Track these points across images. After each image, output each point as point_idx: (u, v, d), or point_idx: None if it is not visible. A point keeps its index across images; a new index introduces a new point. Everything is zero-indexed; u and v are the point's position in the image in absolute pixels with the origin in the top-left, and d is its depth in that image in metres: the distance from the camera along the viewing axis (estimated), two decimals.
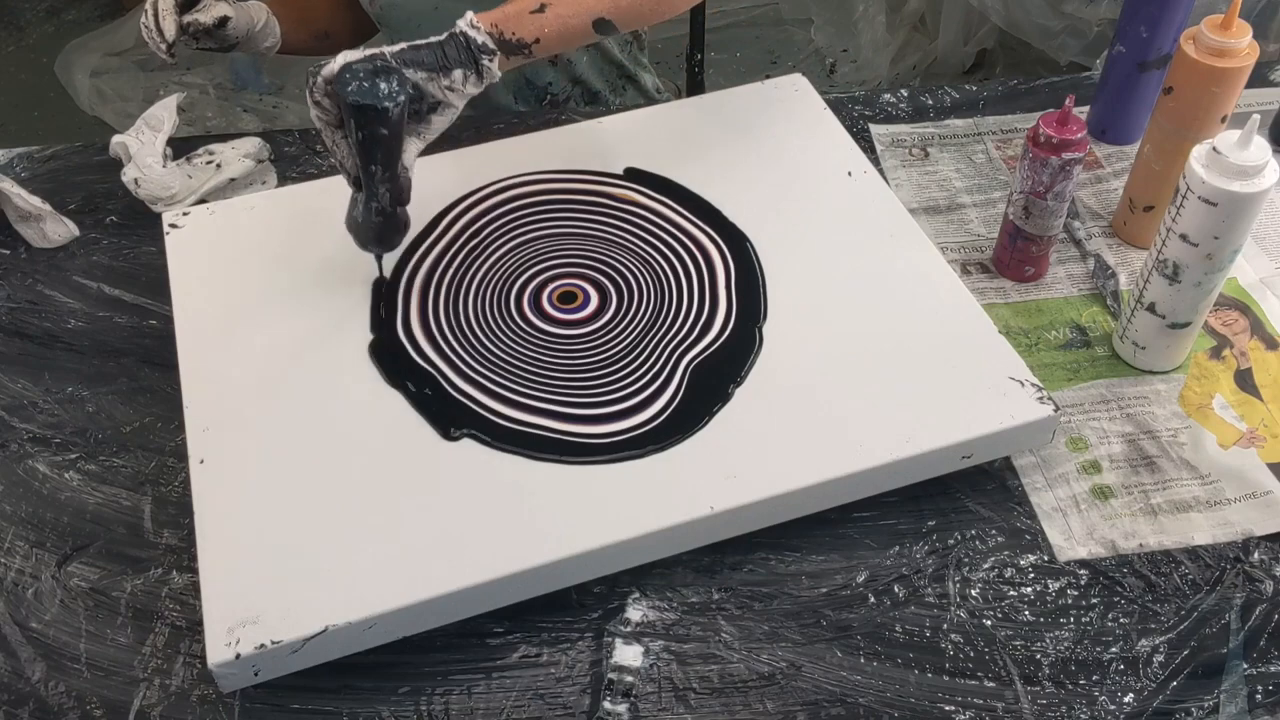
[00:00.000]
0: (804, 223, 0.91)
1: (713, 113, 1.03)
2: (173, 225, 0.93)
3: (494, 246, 0.91)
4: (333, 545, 0.71)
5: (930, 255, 0.88)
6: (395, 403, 0.79)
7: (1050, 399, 0.77)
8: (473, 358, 0.83)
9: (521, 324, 0.85)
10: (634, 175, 0.97)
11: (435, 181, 0.95)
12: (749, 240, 0.90)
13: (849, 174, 0.95)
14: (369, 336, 0.84)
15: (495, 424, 0.78)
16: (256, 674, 0.68)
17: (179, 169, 1.01)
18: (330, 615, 0.67)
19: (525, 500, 0.73)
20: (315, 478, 0.75)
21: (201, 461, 0.76)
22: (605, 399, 0.79)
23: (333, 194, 0.95)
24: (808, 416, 0.77)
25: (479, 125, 1.10)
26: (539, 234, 0.92)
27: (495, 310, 0.86)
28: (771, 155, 0.98)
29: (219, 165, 1.02)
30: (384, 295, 0.87)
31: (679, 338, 0.83)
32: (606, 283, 0.88)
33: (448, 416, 0.78)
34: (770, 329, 0.83)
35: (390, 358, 0.83)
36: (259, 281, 0.89)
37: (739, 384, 0.80)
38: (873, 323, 0.83)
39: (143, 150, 0.99)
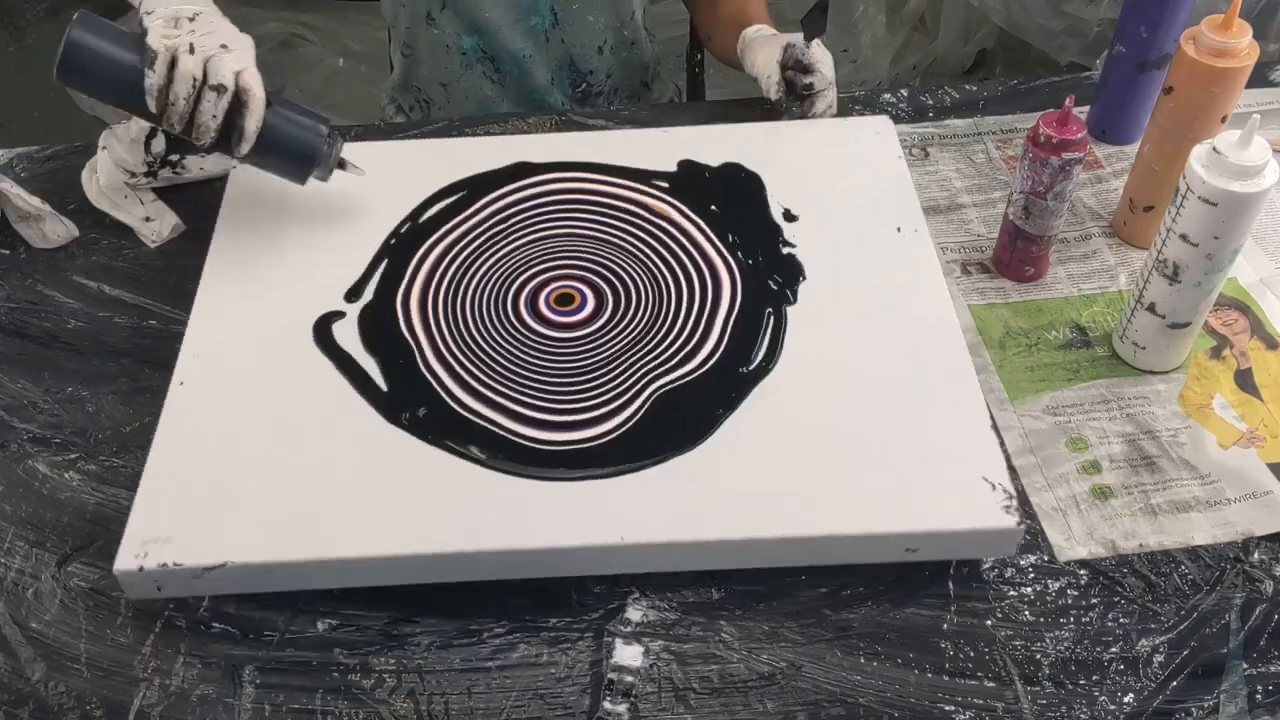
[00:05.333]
0: (833, 270, 0.88)
1: (784, 139, 1.00)
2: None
3: (520, 237, 0.92)
4: (267, 489, 0.75)
5: (951, 330, 0.83)
6: (371, 368, 0.82)
7: (1017, 510, 0.72)
8: (454, 340, 0.84)
9: (512, 319, 0.86)
10: (679, 189, 0.95)
11: (479, 164, 0.98)
12: (770, 278, 0.87)
13: (898, 229, 0.91)
14: (369, 299, 0.88)
15: (450, 409, 0.79)
16: (159, 589, 0.72)
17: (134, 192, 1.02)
18: (234, 553, 0.71)
19: (453, 489, 0.75)
20: (275, 424, 0.79)
21: (181, 383, 0.81)
22: (563, 407, 0.79)
23: (399, 155, 1.01)
24: (758, 470, 0.75)
25: (471, 121, 1.10)
26: (563, 232, 0.93)
27: (491, 301, 0.87)
28: (824, 194, 0.94)
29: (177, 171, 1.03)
30: (395, 262, 0.90)
31: (655, 363, 0.82)
32: (607, 292, 0.87)
33: (408, 393, 0.81)
34: (757, 372, 0.81)
35: (377, 324, 0.85)
36: (296, 233, 0.93)
37: (705, 425, 0.77)
38: (865, 388, 0.79)
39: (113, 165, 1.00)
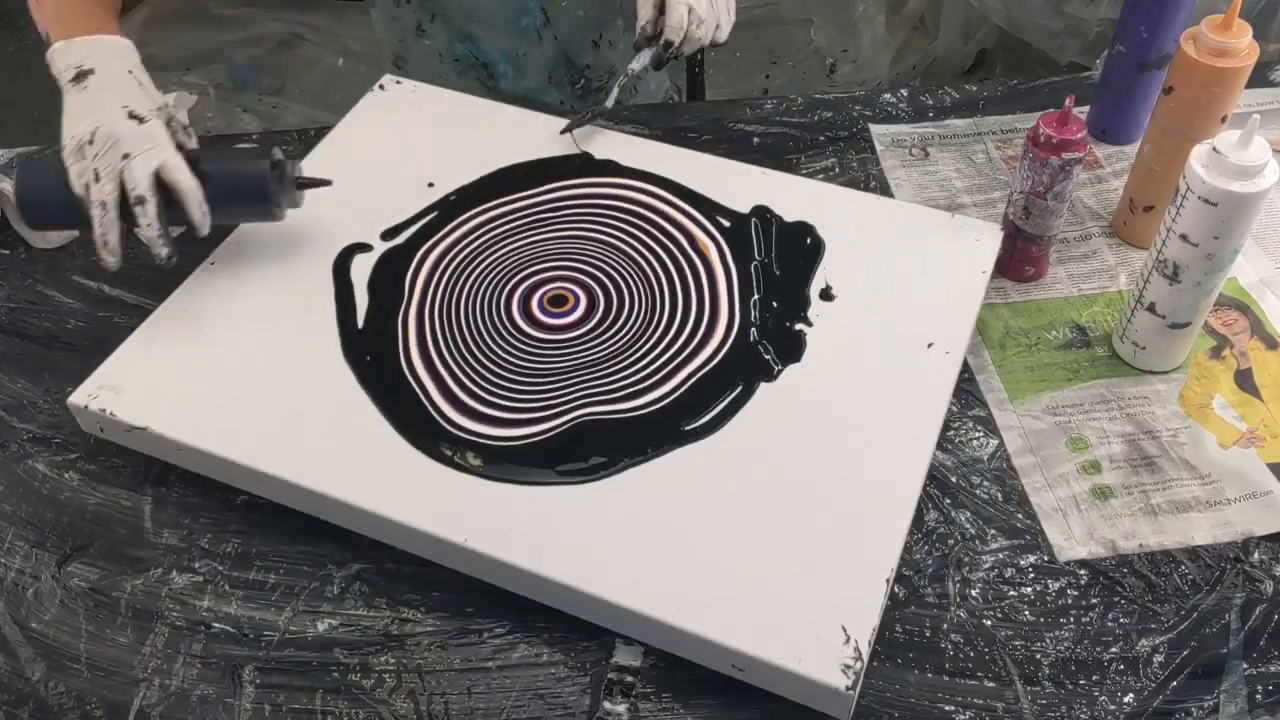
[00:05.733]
0: (833, 365, 0.82)
1: (873, 213, 0.93)
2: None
3: (551, 230, 0.93)
4: (217, 380, 0.82)
5: (915, 470, 0.75)
6: (361, 306, 0.88)
7: (858, 675, 0.65)
8: (440, 308, 0.87)
9: (499, 305, 0.87)
10: (735, 233, 0.92)
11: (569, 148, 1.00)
12: (765, 347, 0.83)
13: (930, 344, 0.83)
14: (399, 243, 0.93)
15: (399, 365, 0.83)
16: (101, 431, 0.82)
17: None
18: (157, 422, 0.79)
19: (362, 441, 0.78)
20: (258, 326, 0.86)
21: (212, 263, 0.91)
22: (489, 397, 0.81)
23: (506, 119, 1.02)
24: (624, 525, 0.72)
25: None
26: (595, 235, 0.93)
27: (491, 282, 0.89)
28: (878, 283, 0.87)
29: None
30: (440, 219, 0.94)
31: (600, 388, 0.81)
32: (600, 306, 0.87)
33: (372, 338, 0.85)
34: (694, 434, 0.78)
35: (388, 268, 0.90)
36: (379, 168, 0.98)
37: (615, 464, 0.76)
38: (786, 493, 0.74)
39: None
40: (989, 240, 0.90)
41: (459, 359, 0.83)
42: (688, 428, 0.78)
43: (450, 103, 1.06)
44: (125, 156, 0.80)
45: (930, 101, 1.12)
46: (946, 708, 0.69)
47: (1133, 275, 0.95)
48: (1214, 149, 0.75)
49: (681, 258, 0.90)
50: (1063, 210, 0.89)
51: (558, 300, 0.87)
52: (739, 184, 0.96)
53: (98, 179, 0.80)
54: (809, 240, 0.91)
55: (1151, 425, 0.84)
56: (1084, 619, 0.73)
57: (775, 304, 0.86)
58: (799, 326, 0.85)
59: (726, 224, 0.93)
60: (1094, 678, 0.70)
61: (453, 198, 0.96)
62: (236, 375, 0.82)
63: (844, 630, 0.66)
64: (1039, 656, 0.71)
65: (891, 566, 0.70)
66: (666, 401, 0.80)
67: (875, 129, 1.09)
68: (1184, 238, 0.78)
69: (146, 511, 0.80)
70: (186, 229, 0.84)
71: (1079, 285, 0.94)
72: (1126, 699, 0.69)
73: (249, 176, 0.85)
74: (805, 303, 0.86)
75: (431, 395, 0.80)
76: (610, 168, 0.98)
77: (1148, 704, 0.69)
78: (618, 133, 1.03)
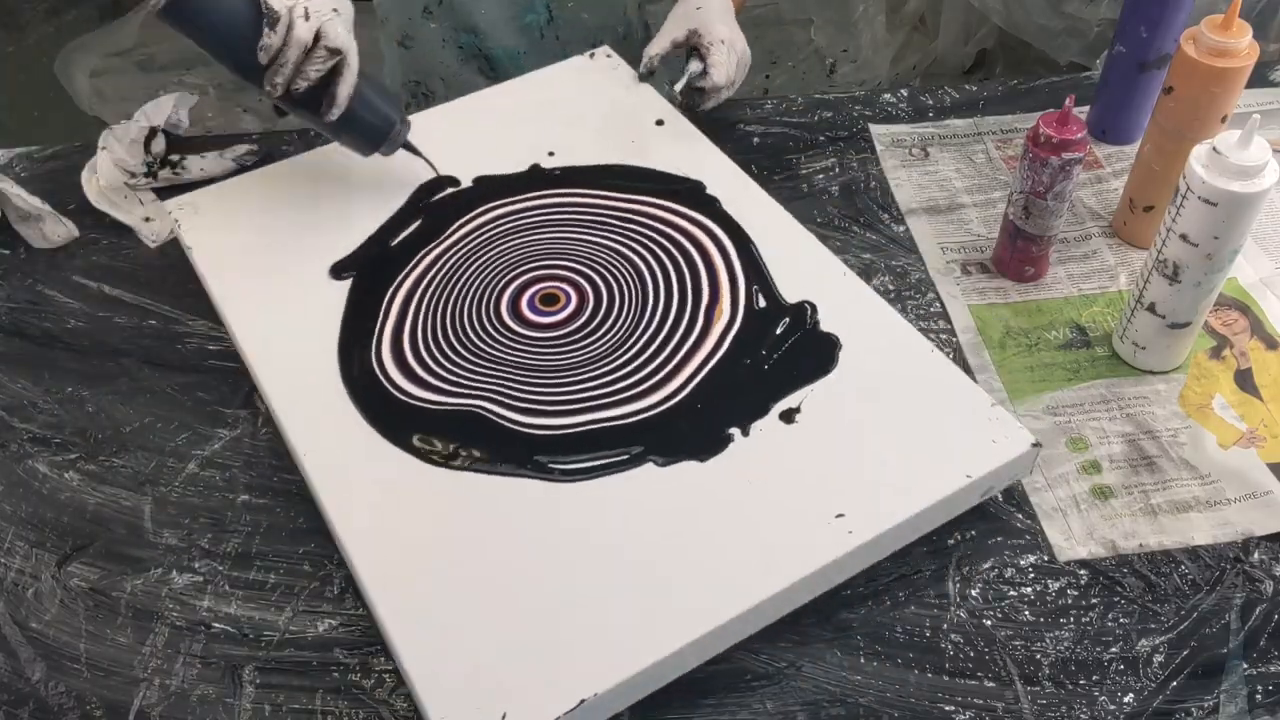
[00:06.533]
0: (736, 483, 0.74)
1: (915, 363, 0.81)
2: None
3: (588, 237, 0.92)
4: (267, 248, 0.90)
5: (688, 630, 0.67)
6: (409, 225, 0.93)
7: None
8: (441, 282, 0.88)
9: (495, 290, 0.87)
10: (760, 319, 0.84)
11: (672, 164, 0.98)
12: (687, 429, 0.77)
13: (840, 516, 0.72)
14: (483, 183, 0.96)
15: (379, 294, 0.86)
16: (171, 236, 0.95)
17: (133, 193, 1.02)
18: (200, 252, 0.89)
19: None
20: (324, 226, 0.92)
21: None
22: (433, 366, 0.82)
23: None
24: (442, 529, 0.72)
25: None
26: (624, 251, 0.91)
27: (500, 265, 0.89)
28: (847, 434, 0.76)
29: (177, 172, 1.03)
30: (523, 182, 0.96)
31: (503, 391, 0.80)
32: (587, 310, 0.86)
33: (381, 258, 0.89)
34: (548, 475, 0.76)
35: (448, 206, 0.94)
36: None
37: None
38: (599, 563, 0.70)
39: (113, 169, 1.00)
40: (1006, 448, 0.75)
41: (431, 308, 0.85)
42: (549, 464, 0.75)
43: (637, 91, 1.05)
44: (335, 11, 0.82)
45: (930, 101, 1.12)
46: (946, 708, 0.69)
47: (1133, 275, 0.95)
48: (1214, 149, 0.75)
49: (688, 312, 0.85)
50: (1063, 210, 0.89)
51: (549, 298, 0.87)
52: (815, 270, 0.87)
53: (307, 17, 0.80)
54: (824, 359, 0.81)
55: (1151, 425, 0.84)
56: (1084, 619, 0.73)
57: (731, 400, 0.79)
58: (732, 431, 0.76)
59: (761, 305, 0.85)
60: (1094, 678, 0.70)
61: (557, 172, 0.97)
62: (276, 242, 0.89)
63: (503, 717, 0.63)
64: (1039, 656, 0.71)
65: (595, 693, 0.64)
66: (557, 431, 0.77)
67: (875, 129, 1.09)
68: (1184, 238, 0.78)
69: (146, 511, 0.80)
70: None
71: (1079, 285, 0.94)
72: (1126, 699, 0.69)
73: (383, 112, 0.89)
74: (760, 413, 0.77)
75: (385, 330, 0.84)
76: (708, 203, 0.93)
77: (1148, 704, 0.69)
78: (742, 169, 0.97)
